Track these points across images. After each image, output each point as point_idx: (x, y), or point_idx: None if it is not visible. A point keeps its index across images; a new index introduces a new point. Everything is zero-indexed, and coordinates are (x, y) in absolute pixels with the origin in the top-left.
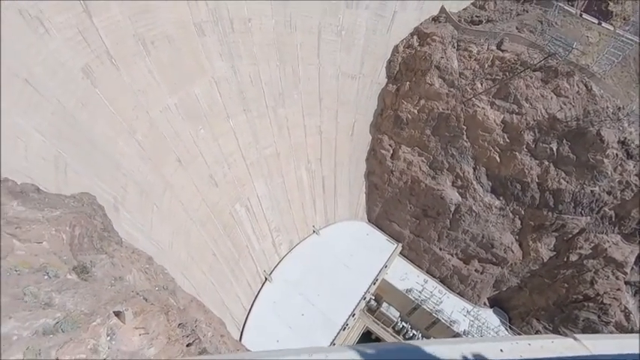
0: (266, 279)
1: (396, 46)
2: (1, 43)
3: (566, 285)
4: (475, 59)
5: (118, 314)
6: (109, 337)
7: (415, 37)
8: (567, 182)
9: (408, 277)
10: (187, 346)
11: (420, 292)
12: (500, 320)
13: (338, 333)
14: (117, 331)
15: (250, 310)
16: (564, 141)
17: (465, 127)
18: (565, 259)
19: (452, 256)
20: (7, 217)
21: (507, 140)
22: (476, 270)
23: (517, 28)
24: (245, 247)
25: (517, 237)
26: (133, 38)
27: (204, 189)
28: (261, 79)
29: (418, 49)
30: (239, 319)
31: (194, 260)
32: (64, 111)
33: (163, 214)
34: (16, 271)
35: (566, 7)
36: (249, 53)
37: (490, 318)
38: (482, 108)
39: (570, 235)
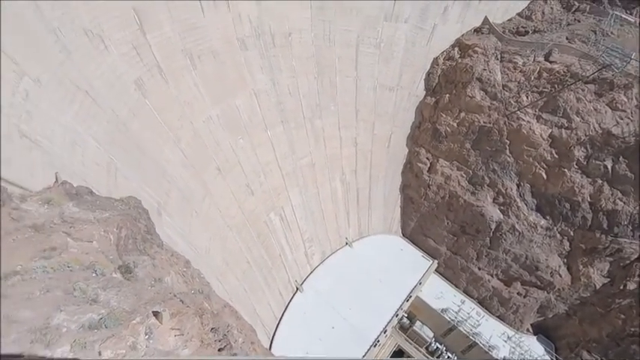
0: (297, 289)
1: (436, 58)
2: (70, 59)
3: (622, 316)
4: (520, 71)
5: (156, 314)
6: (147, 336)
7: (456, 48)
8: (624, 203)
9: (443, 296)
10: (219, 350)
11: (456, 313)
12: (545, 349)
13: (369, 349)
14: (154, 330)
15: (281, 319)
16: (620, 158)
17: (508, 142)
18: (621, 287)
19: (492, 276)
20: (63, 216)
21: (555, 156)
22: (518, 293)
23: (567, 39)
24: (278, 255)
25: (565, 260)
26: (181, 53)
27: (240, 197)
28: (299, 92)
29: (459, 61)
30: (269, 327)
31: (229, 266)
32: (117, 120)
33: (202, 220)
34: (69, 267)
35: (623, 16)
36: (288, 66)
37: (534, 346)
38: (528, 122)
39: (628, 261)
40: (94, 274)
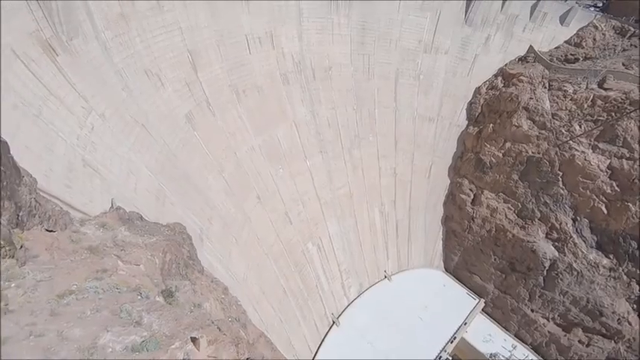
0: (333, 322)
1: (478, 88)
2: (131, 96)
3: None
4: (571, 99)
5: (194, 340)
6: None
7: (499, 78)
8: None
9: (492, 340)
10: None
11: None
12: None
13: None
14: (192, 356)
15: (316, 353)
16: None
17: (560, 173)
18: None
19: (547, 320)
20: (115, 239)
21: (617, 189)
22: (580, 341)
23: (624, 65)
24: (314, 286)
25: (635, 306)
26: (228, 88)
27: (279, 226)
28: (338, 122)
29: (503, 90)
30: None
31: (265, 295)
32: (168, 150)
33: (241, 247)
34: (117, 289)
35: None
36: (328, 98)
37: None
38: (582, 152)
39: None
40: (139, 297)
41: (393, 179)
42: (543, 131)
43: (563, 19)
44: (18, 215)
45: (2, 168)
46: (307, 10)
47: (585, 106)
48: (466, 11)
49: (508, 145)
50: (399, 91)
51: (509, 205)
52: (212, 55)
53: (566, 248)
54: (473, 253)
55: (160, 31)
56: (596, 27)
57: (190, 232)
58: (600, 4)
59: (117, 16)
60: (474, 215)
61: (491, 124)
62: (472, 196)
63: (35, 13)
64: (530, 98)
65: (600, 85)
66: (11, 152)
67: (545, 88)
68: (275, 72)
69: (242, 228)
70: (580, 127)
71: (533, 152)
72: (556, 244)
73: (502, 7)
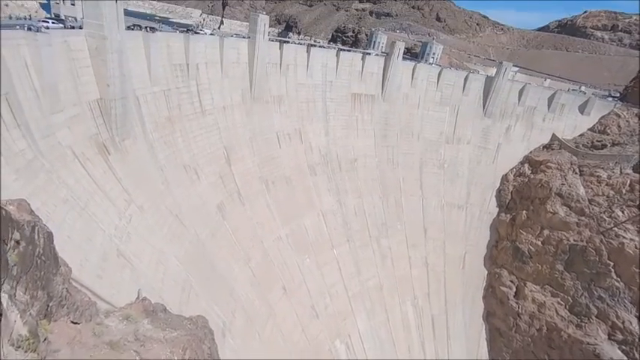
0: None
1: (505, 175)
2: (168, 189)
3: None
4: (607, 184)
5: None
6: None
7: (526, 165)
8: None
9: None
10: None
11: None
12: None
13: None
14: None
15: None
16: None
17: (611, 263)
18: None
19: None
20: (137, 333)
21: None
22: None
23: None
24: None
25: None
26: (258, 180)
27: (304, 320)
28: (364, 211)
29: (532, 176)
30: None
31: None
32: (198, 240)
33: (264, 343)
34: None
35: None
36: (354, 188)
37: None
38: (631, 239)
39: None
40: None
41: (424, 270)
42: (582, 218)
43: (582, 109)
44: (48, 306)
45: (43, 258)
46: (333, 109)
47: (624, 191)
48: (484, 105)
49: (546, 232)
50: (425, 180)
51: (559, 300)
52: (245, 151)
53: (636, 352)
54: (524, 355)
55: (201, 131)
56: (618, 115)
57: (213, 326)
58: (617, 95)
59: (164, 119)
60: (520, 311)
61: (524, 211)
62: (514, 289)
63: (97, 120)
64: (562, 184)
65: (635, 170)
66: (54, 242)
67: (576, 173)
68: (303, 164)
69: (266, 322)
70: (623, 212)
71: (575, 240)
72: (622, 347)
73: (519, 100)
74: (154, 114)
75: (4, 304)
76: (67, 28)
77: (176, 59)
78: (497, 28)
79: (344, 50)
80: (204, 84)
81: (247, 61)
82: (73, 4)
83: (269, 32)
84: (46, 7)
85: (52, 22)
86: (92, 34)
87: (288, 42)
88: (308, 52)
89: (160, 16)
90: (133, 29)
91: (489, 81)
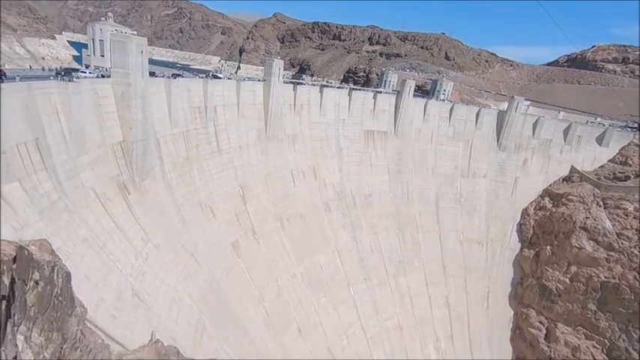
0: None
1: (525, 209)
2: (185, 227)
3: None
4: (635, 217)
5: None
6: None
7: (546, 198)
8: None
9: None
10: None
11: None
12: None
13: None
14: None
15: None
16: None
17: None
18: None
19: None
20: None
21: None
22: None
23: None
24: None
25: None
26: (273, 217)
27: None
28: (381, 248)
29: (553, 210)
30: None
31: None
32: (212, 279)
33: None
34: None
35: None
36: (369, 224)
37: None
38: None
39: None
40: None
41: (446, 309)
42: (612, 253)
43: (600, 140)
44: (62, 348)
45: (60, 299)
46: (346, 145)
47: None
48: (498, 138)
49: (574, 268)
50: (441, 215)
51: (594, 343)
52: (260, 188)
53: None
54: None
55: (217, 170)
56: (638, 145)
57: None
58: (635, 125)
59: (183, 159)
60: (552, 355)
61: (548, 246)
62: (544, 331)
63: (119, 161)
64: (587, 217)
65: None
66: (72, 282)
67: (600, 206)
68: (317, 201)
69: None
70: None
71: (606, 277)
72: None
73: (534, 133)
74: (173, 154)
75: (20, 347)
76: (98, 77)
77: (195, 102)
78: (506, 64)
79: (356, 89)
80: (221, 125)
81: (262, 102)
82: (102, 56)
83: (283, 75)
84: (78, 59)
85: (88, 72)
86: (118, 82)
87: (301, 84)
88: (321, 92)
89: (181, 64)
90: (156, 76)
91: (502, 115)
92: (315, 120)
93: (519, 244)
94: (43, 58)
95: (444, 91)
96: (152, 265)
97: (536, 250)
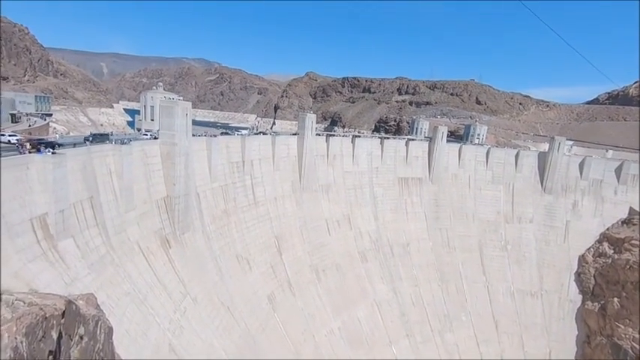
0: None
1: (582, 256)
2: (222, 280)
3: None
4: None
5: None
6: None
7: (605, 243)
8: None
9: None
10: None
11: None
12: None
13: None
14: None
15: None
16: None
17: None
18: None
19: None
20: None
21: None
22: None
23: None
24: None
25: None
26: (309, 268)
27: None
28: (423, 300)
29: (615, 257)
30: None
31: None
32: (248, 334)
33: None
34: None
35: None
36: (409, 275)
37: None
38: None
39: None
40: None
41: None
42: None
43: None
44: None
45: (102, 354)
46: (381, 193)
47: None
48: (542, 181)
49: None
50: (487, 264)
51: None
52: (295, 239)
53: None
54: None
55: (253, 222)
56: None
57: None
58: None
59: (221, 212)
60: None
61: (615, 299)
62: None
63: (162, 215)
64: None
65: None
66: (113, 337)
67: None
68: (353, 250)
69: None
70: None
71: None
72: None
73: (581, 174)
74: (212, 207)
75: None
76: (149, 139)
77: (234, 158)
78: (542, 105)
79: (387, 138)
80: (257, 178)
81: (297, 154)
82: (152, 120)
83: (315, 128)
84: (131, 123)
85: (147, 135)
86: (165, 142)
87: (333, 135)
88: (353, 142)
89: (221, 123)
90: (199, 136)
91: (543, 156)
92: (348, 169)
93: (580, 296)
94: (102, 125)
95: (478, 135)
96: (189, 319)
97: (602, 302)
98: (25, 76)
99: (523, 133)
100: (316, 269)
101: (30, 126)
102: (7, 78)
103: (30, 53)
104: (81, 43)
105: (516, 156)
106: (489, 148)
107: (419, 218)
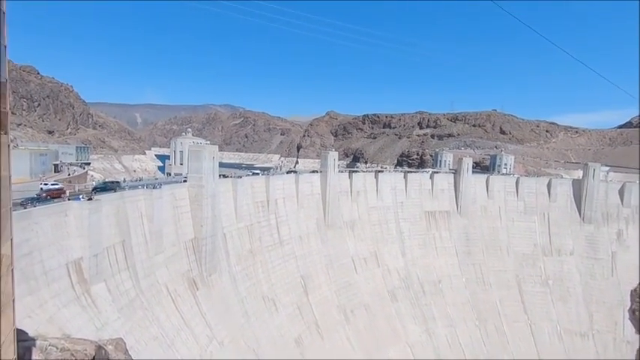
0: None
1: (635, 291)
2: (248, 322)
3: None
4: None
5: None
6: None
7: None
8: None
9: None
10: None
11: None
12: None
13: None
14: None
15: None
16: None
17: None
18: None
19: None
20: None
21: None
22: None
23: None
24: None
25: None
26: (336, 309)
27: None
28: (459, 342)
29: None
30: None
31: None
32: None
33: None
34: None
35: None
36: (442, 314)
37: None
38: None
39: None
40: None
41: None
42: None
43: None
44: None
45: None
46: (407, 228)
47: None
48: (579, 210)
49: None
50: (528, 301)
51: None
52: (322, 278)
53: None
54: None
55: (279, 261)
56: None
57: None
58: None
59: (247, 252)
60: None
61: None
62: None
63: (190, 257)
64: None
65: None
66: None
67: None
68: (382, 289)
69: None
70: None
71: None
72: None
73: (622, 201)
74: (238, 247)
75: None
76: (178, 182)
77: (258, 197)
78: (570, 131)
79: (411, 172)
80: (282, 216)
81: (320, 192)
82: (181, 164)
83: (338, 165)
84: (162, 168)
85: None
86: (193, 185)
87: (356, 171)
88: (376, 177)
89: (246, 164)
90: (224, 177)
91: (578, 184)
92: (373, 205)
93: (637, 336)
94: (135, 171)
95: (505, 164)
96: None
97: None
98: (68, 129)
99: (554, 160)
100: (344, 310)
101: (69, 175)
102: (53, 131)
103: (73, 108)
104: (118, 96)
105: (549, 185)
106: (519, 177)
107: (449, 253)
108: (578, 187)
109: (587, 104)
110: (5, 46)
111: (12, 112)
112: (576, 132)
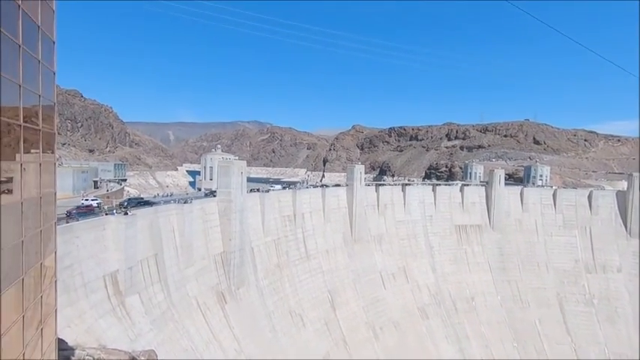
0: None
1: None
2: (275, 337)
3: None
4: None
5: None
6: None
7: None
8: None
9: None
10: None
11: None
12: None
13: None
14: None
15: None
16: None
17: None
18: None
19: None
20: None
21: None
22: None
23: None
24: None
25: None
26: (365, 325)
27: None
28: None
29: None
30: None
31: None
32: None
33: None
34: None
35: None
36: (476, 333)
37: None
38: None
39: None
40: None
41: None
42: None
43: None
44: None
45: None
46: (437, 242)
47: None
48: (625, 223)
49: None
50: (571, 321)
51: None
52: (349, 293)
53: None
54: None
55: (305, 276)
56: None
57: None
58: None
59: (274, 266)
60: None
61: None
62: None
63: (219, 270)
64: None
65: None
66: None
67: None
68: (412, 306)
69: None
70: None
71: None
72: None
73: None
74: (265, 261)
75: None
76: (208, 196)
77: (285, 211)
78: (612, 140)
79: (439, 184)
80: (308, 230)
81: (347, 205)
82: (211, 179)
83: (364, 178)
84: (192, 184)
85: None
86: (222, 199)
87: (383, 184)
88: (403, 190)
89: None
90: (253, 191)
91: (622, 196)
92: (400, 219)
93: None
94: (167, 186)
95: (541, 176)
96: None
97: None
98: (107, 147)
99: (593, 171)
100: (373, 326)
101: (107, 191)
102: (93, 150)
103: (112, 128)
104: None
105: (589, 197)
106: (556, 189)
107: (482, 269)
108: (623, 198)
109: (628, 110)
110: (54, 73)
111: (58, 133)
112: (618, 140)
